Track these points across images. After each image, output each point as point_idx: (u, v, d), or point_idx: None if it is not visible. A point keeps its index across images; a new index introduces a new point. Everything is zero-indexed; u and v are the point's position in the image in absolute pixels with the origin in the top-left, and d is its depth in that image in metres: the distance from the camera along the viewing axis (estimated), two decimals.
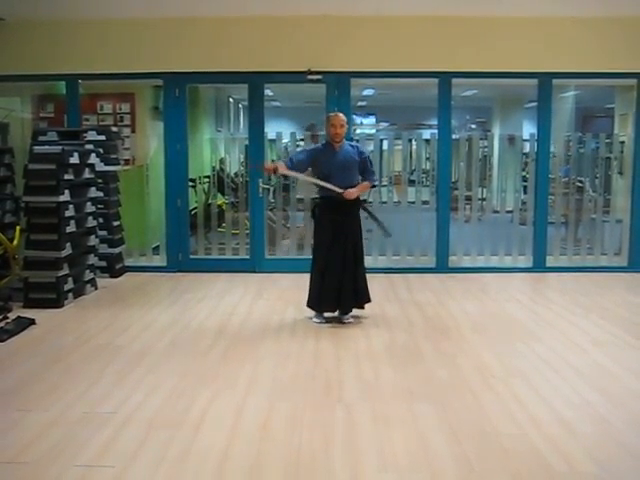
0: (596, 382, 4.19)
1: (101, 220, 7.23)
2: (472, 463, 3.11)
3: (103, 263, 7.32)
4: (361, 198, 5.75)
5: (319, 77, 7.51)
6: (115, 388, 4.07)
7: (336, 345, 4.98)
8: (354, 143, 5.88)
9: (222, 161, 9.13)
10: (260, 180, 7.81)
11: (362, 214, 5.64)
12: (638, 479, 3.02)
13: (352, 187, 5.41)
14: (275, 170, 5.53)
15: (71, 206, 6.31)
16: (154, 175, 8.32)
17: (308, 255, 5.40)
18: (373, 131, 16.08)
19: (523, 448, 3.26)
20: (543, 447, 3.26)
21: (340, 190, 5.35)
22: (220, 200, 8.87)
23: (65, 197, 6.20)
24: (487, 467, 3.08)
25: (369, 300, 5.64)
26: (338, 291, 5.43)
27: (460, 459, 3.15)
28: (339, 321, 5.54)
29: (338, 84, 7.59)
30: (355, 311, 5.66)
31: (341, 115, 5.49)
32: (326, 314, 5.58)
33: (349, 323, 5.53)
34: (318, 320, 5.54)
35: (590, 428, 3.50)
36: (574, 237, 8.29)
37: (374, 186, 6.02)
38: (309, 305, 5.60)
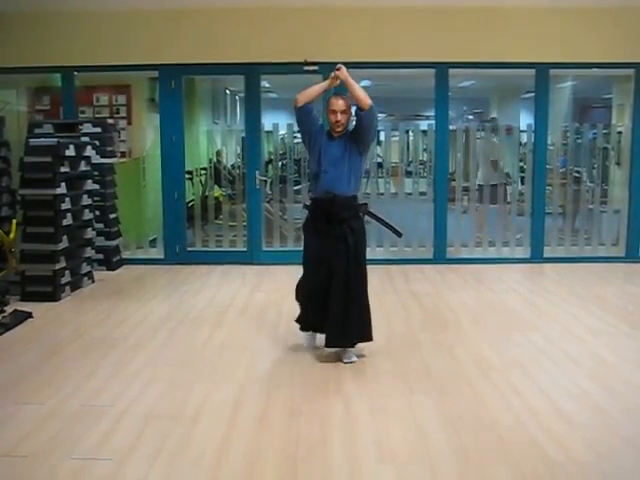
0: (594, 372, 4.19)
1: (98, 213, 7.20)
2: (470, 454, 3.11)
3: (100, 256, 7.29)
4: (359, 202, 4.55)
5: (316, 68, 7.47)
6: (112, 381, 4.06)
7: None
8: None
9: (219, 153, 9.10)
10: (257, 172, 7.79)
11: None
12: (636, 468, 3.02)
13: (342, 189, 4.36)
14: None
15: (67, 199, 6.29)
16: (151, 167, 8.29)
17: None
18: None
19: (521, 439, 3.26)
20: (541, 437, 3.26)
21: None
22: (217, 192, 8.85)
23: (61, 190, 6.18)
24: (485, 458, 3.08)
25: (370, 337, 4.45)
26: (321, 314, 4.38)
27: (458, 450, 3.15)
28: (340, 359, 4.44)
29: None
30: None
31: (342, 99, 4.40)
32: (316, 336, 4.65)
33: (351, 363, 4.38)
34: (305, 341, 4.66)
35: (588, 418, 3.50)
36: (572, 228, 8.29)
37: (370, 108, 4.30)
38: (302, 327, 4.69)
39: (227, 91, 13.36)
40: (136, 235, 8.16)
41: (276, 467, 3.01)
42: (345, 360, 4.38)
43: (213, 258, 7.89)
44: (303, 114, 4.46)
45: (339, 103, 4.37)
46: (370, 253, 7.58)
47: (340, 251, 4.31)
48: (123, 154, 8.43)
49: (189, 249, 8.00)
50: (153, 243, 8.27)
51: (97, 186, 7.17)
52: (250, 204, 7.91)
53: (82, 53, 7.46)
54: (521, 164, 9.30)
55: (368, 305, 4.45)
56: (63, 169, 6.24)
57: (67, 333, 5.11)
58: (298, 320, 4.68)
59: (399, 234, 4.91)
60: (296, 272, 4.64)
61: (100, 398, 3.79)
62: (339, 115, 4.35)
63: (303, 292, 4.61)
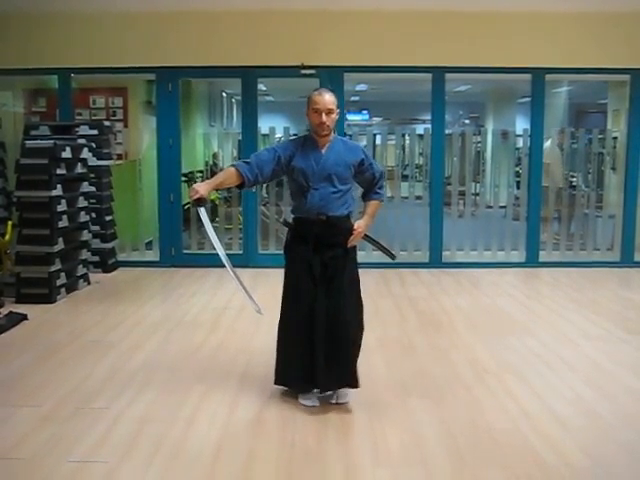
0: (588, 377, 4.21)
1: (94, 215, 7.20)
2: (465, 457, 3.12)
3: (96, 258, 7.29)
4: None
5: (312, 71, 7.50)
6: (108, 383, 4.06)
7: None
8: (347, 139, 4.34)
9: (215, 156, 9.12)
10: None
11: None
12: (630, 472, 3.03)
13: (335, 209, 3.68)
14: (198, 199, 3.81)
15: (63, 201, 6.27)
16: (147, 170, 8.29)
17: None
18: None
19: (516, 442, 3.27)
20: (536, 441, 3.27)
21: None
22: (213, 195, 8.85)
23: (57, 192, 6.17)
24: (480, 461, 3.09)
25: (357, 383, 3.70)
26: (310, 362, 3.66)
27: (453, 453, 3.16)
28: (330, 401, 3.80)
29: (331, 78, 7.55)
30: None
31: (329, 94, 3.61)
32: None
33: (344, 403, 3.76)
34: (307, 402, 3.72)
35: (583, 422, 3.51)
36: (567, 232, 8.31)
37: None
38: (278, 382, 3.86)
39: (223, 94, 13.39)
40: (132, 237, 8.16)
41: (271, 471, 3.01)
42: (340, 401, 3.75)
43: (209, 261, 7.82)
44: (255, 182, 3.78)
45: (325, 100, 3.57)
46: (366, 257, 7.60)
47: (335, 278, 3.71)
48: (119, 156, 8.43)
49: (185, 252, 8.00)
50: (149, 245, 8.26)
51: (93, 188, 7.17)
52: (246, 207, 7.92)
53: (79, 55, 7.46)
54: (517, 168, 9.34)
55: (360, 345, 3.80)
56: (59, 171, 6.23)
57: (63, 335, 5.09)
58: (282, 379, 3.84)
59: (393, 256, 4.35)
60: None
61: (96, 401, 3.79)
62: (324, 116, 3.57)
63: (286, 328, 3.87)
